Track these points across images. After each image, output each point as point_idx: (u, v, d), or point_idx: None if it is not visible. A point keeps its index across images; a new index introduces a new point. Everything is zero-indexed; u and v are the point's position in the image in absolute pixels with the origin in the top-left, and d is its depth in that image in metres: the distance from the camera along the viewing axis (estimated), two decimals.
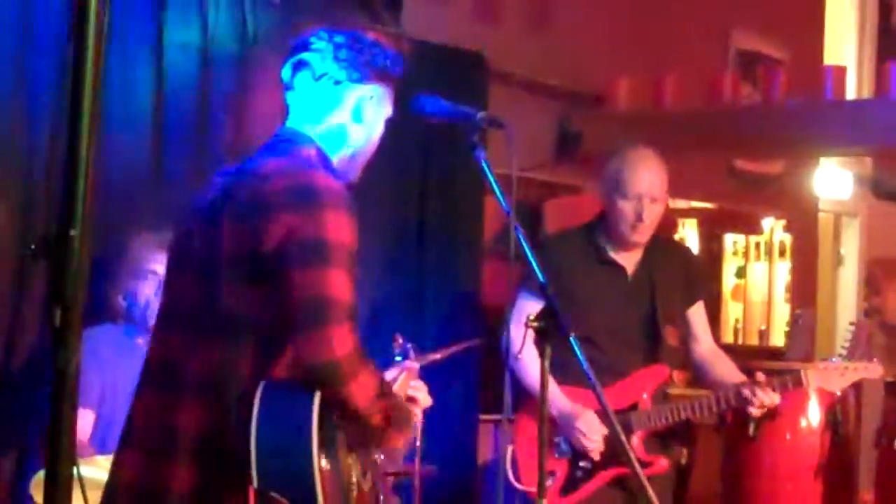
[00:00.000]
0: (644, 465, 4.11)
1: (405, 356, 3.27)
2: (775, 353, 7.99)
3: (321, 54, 2.79)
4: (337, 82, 2.79)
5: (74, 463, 1.82)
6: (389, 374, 2.95)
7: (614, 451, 4.10)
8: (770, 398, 4.12)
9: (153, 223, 4.14)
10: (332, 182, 2.63)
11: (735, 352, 7.79)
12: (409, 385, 2.96)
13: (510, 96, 5.98)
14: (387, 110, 2.87)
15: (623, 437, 3.01)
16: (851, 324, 6.18)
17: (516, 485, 4.22)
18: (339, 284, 2.50)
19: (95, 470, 3.31)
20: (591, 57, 6.65)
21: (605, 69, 6.69)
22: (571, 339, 2.70)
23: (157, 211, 4.38)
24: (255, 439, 2.49)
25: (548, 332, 2.74)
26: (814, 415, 5.17)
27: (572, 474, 4.19)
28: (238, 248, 2.58)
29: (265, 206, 2.56)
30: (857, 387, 5.47)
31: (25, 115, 4.03)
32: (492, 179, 2.77)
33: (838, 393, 4.85)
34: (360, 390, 2.53)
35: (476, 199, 5.66)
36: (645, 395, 4.21)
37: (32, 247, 1.83)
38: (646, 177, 4.23)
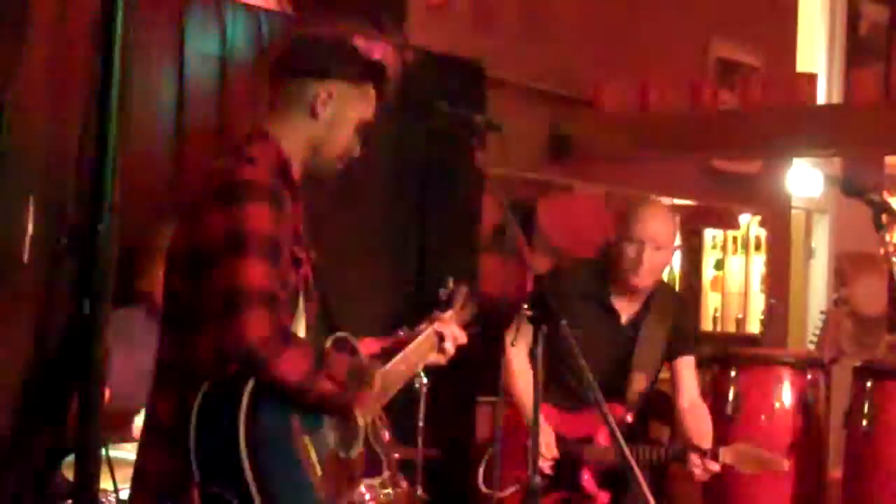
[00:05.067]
0: (587, 497, 4.09)
1: (450, 300, 3.16)
2: (751, 340, 7.98)
3: (299, 53, 2.77)
4: (306, 79, 2.72)
5: (103, 443, 1.81)
6: (422, 326, 2.96)
7: (561, 479, 4.08)
8: (705, 470, 4.08)
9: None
10: (257, 177, 2.57)
11: (714, 339, 7.82)
12: (434, 329, 2.97)
13: (506, 101, 5.97)
14: (354, 112, 2.76)
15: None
16: (822, 313, 6.19)
17: (484, 489, 4.19)
18: (254, 273, 2.46)
19: (123, 451, 3.31)
20: (581, 64, 6.64)
21: (594, 76, 6.68)
22: (562, 324, 2.69)
23: (177, 211, 4.37)
24: (193, 438, 2.45)
25: (540, 319, 2.73)
26: (787, 397, 5.17)
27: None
28: (186, 245, 2.59)
29: (201, 205, 2.57)
30: (827, 371, 5.46)
31: (58, 118, 4.02)
32: (489, 178, 2.76)
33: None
34: (289, 367, 2.47)
35: (473, 197, 5.65)
36: (602, 431, 4.11)
37: (63, 240, 1.83)
38: (650, 223, 4.17)
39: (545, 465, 4.07)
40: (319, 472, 2.58)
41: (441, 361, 3.06)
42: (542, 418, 3.97)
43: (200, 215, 2.56)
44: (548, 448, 4.06)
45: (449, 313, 3.09)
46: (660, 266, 4.22)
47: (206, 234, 2.53)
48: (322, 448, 2.61)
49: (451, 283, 3.19)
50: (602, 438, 4.12)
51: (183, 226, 2.64)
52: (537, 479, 2.78)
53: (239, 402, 2.43)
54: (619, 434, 2.82)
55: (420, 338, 2.99)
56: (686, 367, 4.34)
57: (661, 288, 4.35)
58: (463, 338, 3.06)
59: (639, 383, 4.24)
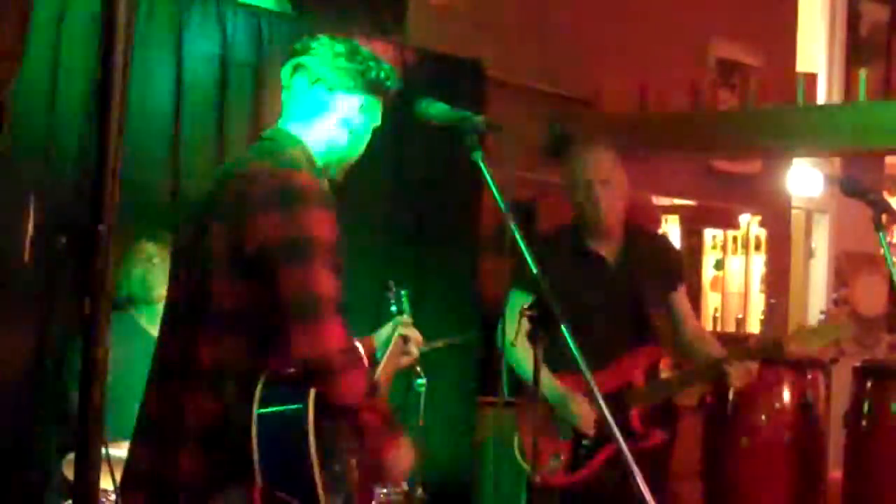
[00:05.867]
0: (641, 437, 4.11)
1: (399, 304, 3.18)
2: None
3: (320, 60, 2.79)
4: (330, 88, 2.79)
5: (104, 444, 1.81)
6: (383, 331, 2.99)
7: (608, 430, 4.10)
8: (746, 368, 4.15)
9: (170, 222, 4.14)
10: (312, 182, 2.60)
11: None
12: (401, 330, 3.00)
13: (506, 101, 5.97)
14: (375, 120, 2.85)
15: (609, 418, 2.95)
16: (822, 312, 6.19)
17: (524, 465, 4.23)
18: (325, 280, 2.48)
19: (123, 451, 3.31)
20: (581, 64, 6.64)
21: (594, 76, 6.68)
22: (563, 327, 2.69)
23: (175, 211, 4.38)
24: (255, 440, 2.44)
25: (541, 321, 2.73)
26: (787, 398, 5.17)
27: (577, 453, 4.19)
28: (226, 246, 2.55)
29: (250, 206, 2.54)
30: (827, 371, 5.46)
31: (58, 120, 4.03)
32: (488, 178, 2.75)
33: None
34: (350, 385, 2.50)
35: (473, 198, 5.65)
36: (638, 374, 4.20)
37: (64, 241, 1.83)
38: (590, 162, 4.23)
39: (589, 430, 4.12)
40: (355, 476, 2.63)
41: (406, 365, 3.09)
42: (572, 392, 4.03)
43: (253, 216, 2.53)
44: (586, 422, 4.10)
45: (406, 317, 3.12)
46: (618, 202, 4.23)
47: (261, 236, 2.51)
48: (353, 452, 2.66)
49: (392, 286, 3.22)
50: (639, 381, 4.18)
51: (217, 227, 2.59)
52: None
53: (306, 409, 2.44)
54: (617, 431, 2.81)
55: (391, 345, 3.01)
56: (680, 297, 4.42)
57: (633, 230, 4.37)
58: (421, 340, 3.09)
59: (656, 320, 4.31)
